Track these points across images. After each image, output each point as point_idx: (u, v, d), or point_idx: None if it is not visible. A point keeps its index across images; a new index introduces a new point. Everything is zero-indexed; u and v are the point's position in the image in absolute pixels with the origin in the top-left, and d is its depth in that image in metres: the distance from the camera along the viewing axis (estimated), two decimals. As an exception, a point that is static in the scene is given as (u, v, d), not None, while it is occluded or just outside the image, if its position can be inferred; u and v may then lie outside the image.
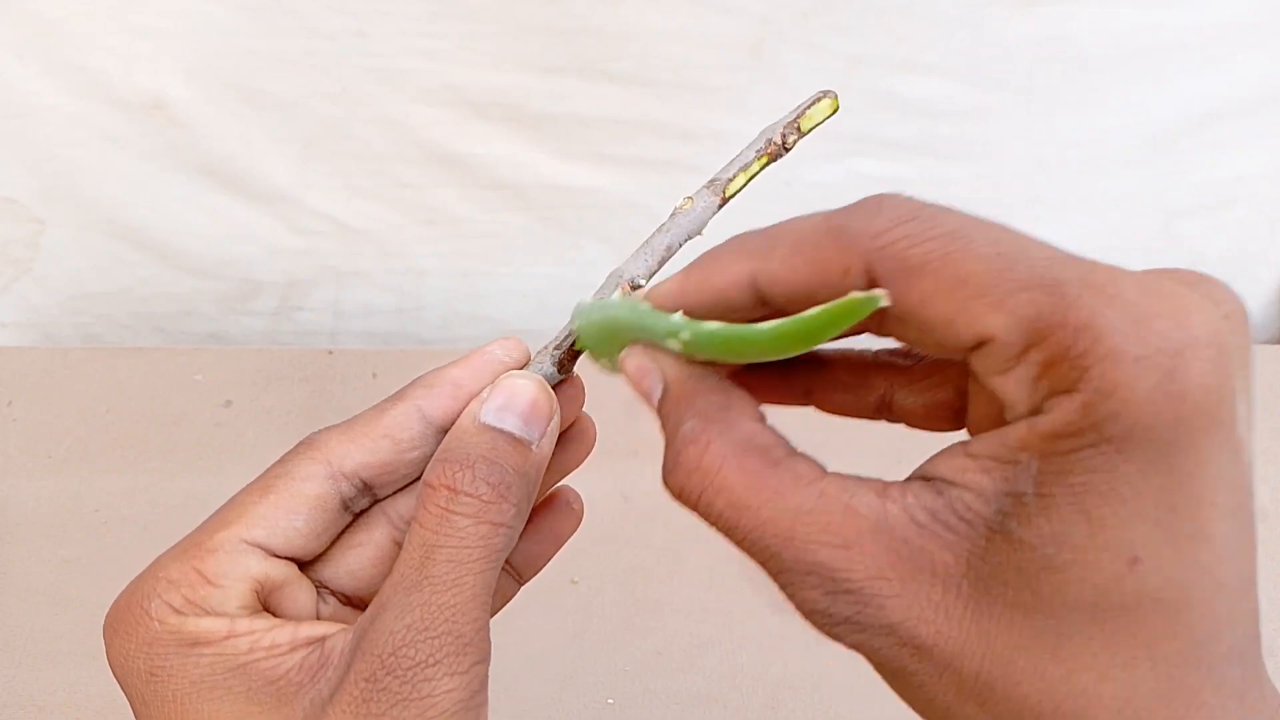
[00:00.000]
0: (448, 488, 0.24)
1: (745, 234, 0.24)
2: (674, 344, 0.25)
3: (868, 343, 0.26)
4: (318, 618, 0.27)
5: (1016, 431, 0.20)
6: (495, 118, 0.62)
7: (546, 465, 0.27)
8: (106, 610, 0.51)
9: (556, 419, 0.27)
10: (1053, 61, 0.61)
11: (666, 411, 0.24)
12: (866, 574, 0.21)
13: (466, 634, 0.23)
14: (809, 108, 0.29)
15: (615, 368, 0.28)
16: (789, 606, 0.22)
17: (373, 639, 0.23)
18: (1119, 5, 0.59)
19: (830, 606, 0.21)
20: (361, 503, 0.28)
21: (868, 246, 0.21)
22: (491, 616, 0.29)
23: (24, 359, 0.66)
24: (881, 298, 0.20)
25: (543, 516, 0.30)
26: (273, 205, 0.65)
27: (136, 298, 0.69)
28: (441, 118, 0.62)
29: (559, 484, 0.31)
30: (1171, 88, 0.63)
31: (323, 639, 0.24)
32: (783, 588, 0.22)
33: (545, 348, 0.29)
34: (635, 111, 0.62)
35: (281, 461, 0.27)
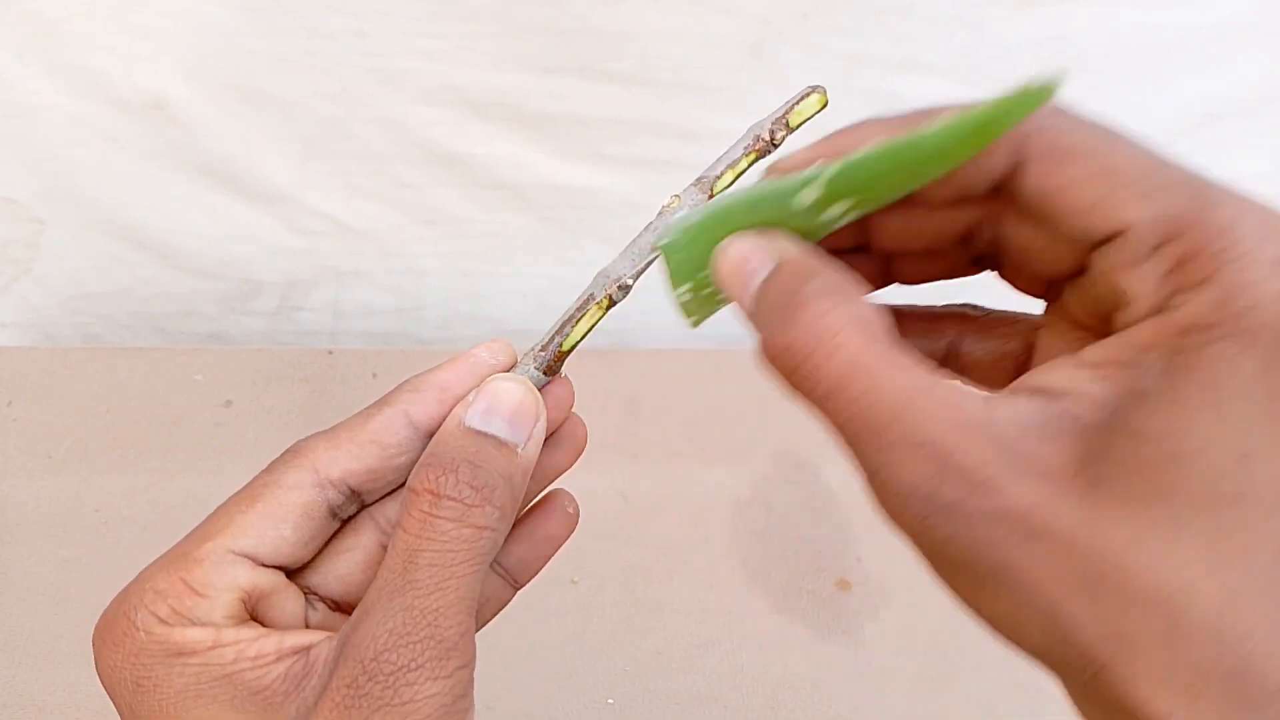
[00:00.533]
0: (430, 492, 0.24)
1: (880, 116, 0.24)
2: (810, 193, 0.24)
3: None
4: (306, 624, 0.27)
5: (1143, 331, 0.20)
6: (495, 118, 0.62)
7: (533, 468, 0.27)
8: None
9: (543, 421, 0.27)
10: (1053, 61, 0.61)
11: (778, 283, 0.23)
12: (981, 458, 0.20)
13: (450, 638, 0.23)
14: (798, 103, 0.29)
15: (702, 307, 0.27)
16: (876, 489, 0.21)
17: (355, 644, 0.23)
18: (1119, 5, 0.59)
19: (937, 488, 0.20)
20: (349, 509, 0.28)
21: (1025, 128, 0.22)
22: (486, 622, 0.29)
23: (24, 359, 0.66)
24: (1054, 87, 0.20)
25: (536, 520, 0.30)
26: (273, 205, 0.65)
27: (136, 298, 0.69)
28: (441, 118, 0.62)
29: (553, 487, 0.31)
30: (1171, 88, 0.63)
31: (308, 648, 0.24)
32: (879, 468, 0.21)
33: (531, 350, 0.29)
34: (635, 111, 0.62)
35: (268, 470, 0.27)
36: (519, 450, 0.26)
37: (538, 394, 0.27)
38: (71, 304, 0.69)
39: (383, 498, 0.28)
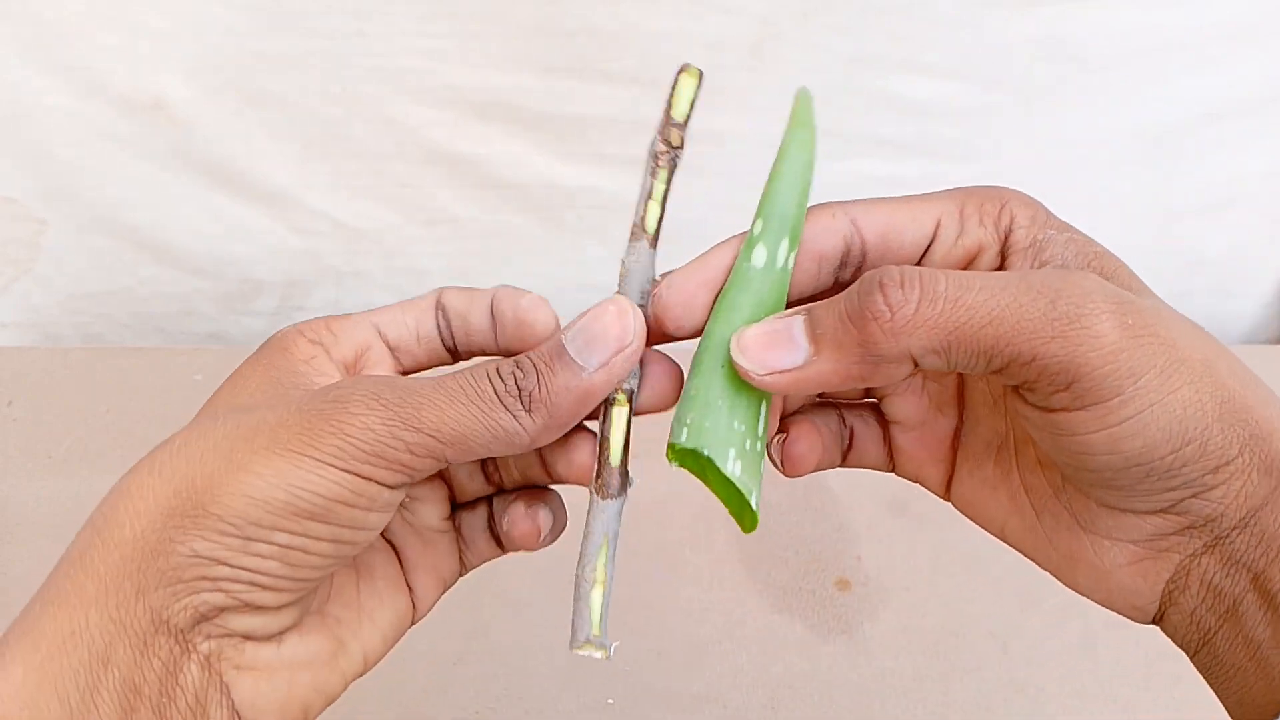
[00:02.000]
0: (490, 372, 0.27)
1: None
2: (760, 252, 0.30)
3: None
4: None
5: (1015, 264, 0.28)
6: (495, 118, 0.62)
7: (599, 393, 0.28)
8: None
9: (628, 351, 0.28)
10: (1053, 61, 0.61)
11: (837, 299, 0.27)
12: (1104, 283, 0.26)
13: (427, 426, 0.26)
14: (672, 94, 0.30)
15: (748, 470, 0.30)
16: (995, 325, 0.24)
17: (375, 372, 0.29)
18: (1119, 5, 0.59)
19: (1115, 295, 0.25)
20: (449, 341, 0.32)
21: (854, 201, 0.31)
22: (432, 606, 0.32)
23: (24, 359, 0.66)
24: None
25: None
26: (273, 205, 0.65)
27: (136, 298, 0.69)
28: (441, 118, 0.62)
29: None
30: (1171, 88, 0.63)
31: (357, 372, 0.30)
32: (1009, 294, 0.25)
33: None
34: (635, 111, 0.61)
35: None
36: (584, 373, 0.27)
37: (630, 322, 0.28)
38: (71, 304, 0.69)
39: None
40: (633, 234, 0.29)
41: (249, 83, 0.60)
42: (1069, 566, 0.28)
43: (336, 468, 0.25)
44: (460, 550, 0.32)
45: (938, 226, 0.28)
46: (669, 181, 0.29)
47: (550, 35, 0.58)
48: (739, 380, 0.27)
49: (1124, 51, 0.61)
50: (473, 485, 0.32)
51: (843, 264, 0.29)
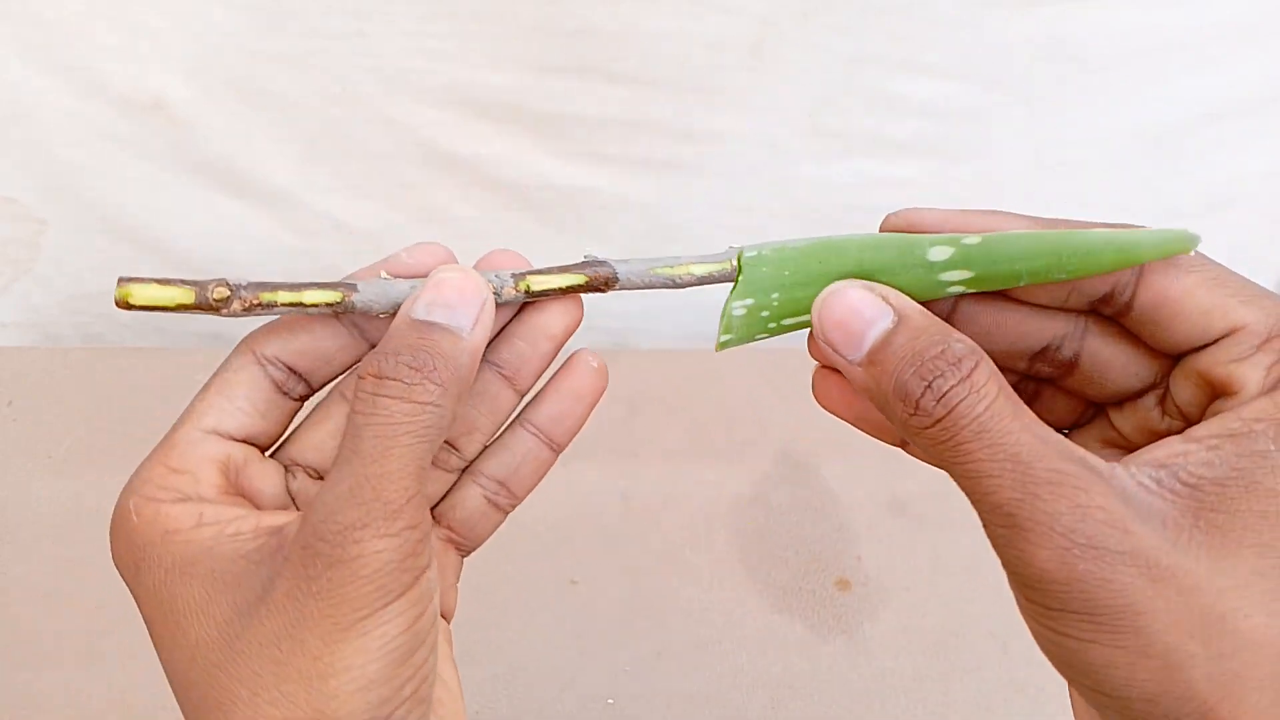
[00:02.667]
0: (373, 375, 0.26)
1: (1015, 212, 0.27)
2: (942, 251, 0.26)
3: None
4: (289, 492, 0.29)
5: (1255, 406, 0.24)
6: (495, 118, 0.62)
7: (481, 348, 0.27)
8: (107, 610, 0.51)
9: (489, 305, 0.28)
10: (1053, 61, 0.61)
11: (907, 337, 0.25)
12: (1114, 503, 0.22)
13: (395, 501, 0.24)
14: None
15: (746, 328, 0.28)
16: (1019, 533, 0.23)
17: (310, 511, 0.25)
18: (1119, 5, 0.59)
19: (1077, 522, 0.22)
20: (297, 387, 0.30)
21: None
22: (532, 488, 0.32)
23: (24, 359, 0.66)
24: (1198, 239, 0.25)
25: (561, 379, 0.31)
26: (273, 205, 0.65)
27: (136, 298, 0.69)
28: (441, 118, 0.62)
29: (577, 349, 0.32)
30: (1171, 88, 0.63)
31: (281, 527, 0.26)
32: (1020, 502, 0.23)
33: (509, 270, 0.29)
34: (635, 111, 0.61)
35: (222, 363, 0.30)
36: (463, 335, 0.27)
37: (480, 279, 0.28)
38: (71, 304, 0.69)
39: (347, 375, 0.31)
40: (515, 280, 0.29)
41: (249, 83, 0.60)
42: None
43: (383, 606, 0.24)
44: (456, 546, 0.32)
45: (1226, 336, 0.25)
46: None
47: (550, 35, 0.58)
48: (810, 284, 0.28)
49: (1124, 51, 0.61)
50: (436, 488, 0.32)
51: (1105, 301, 0.27)
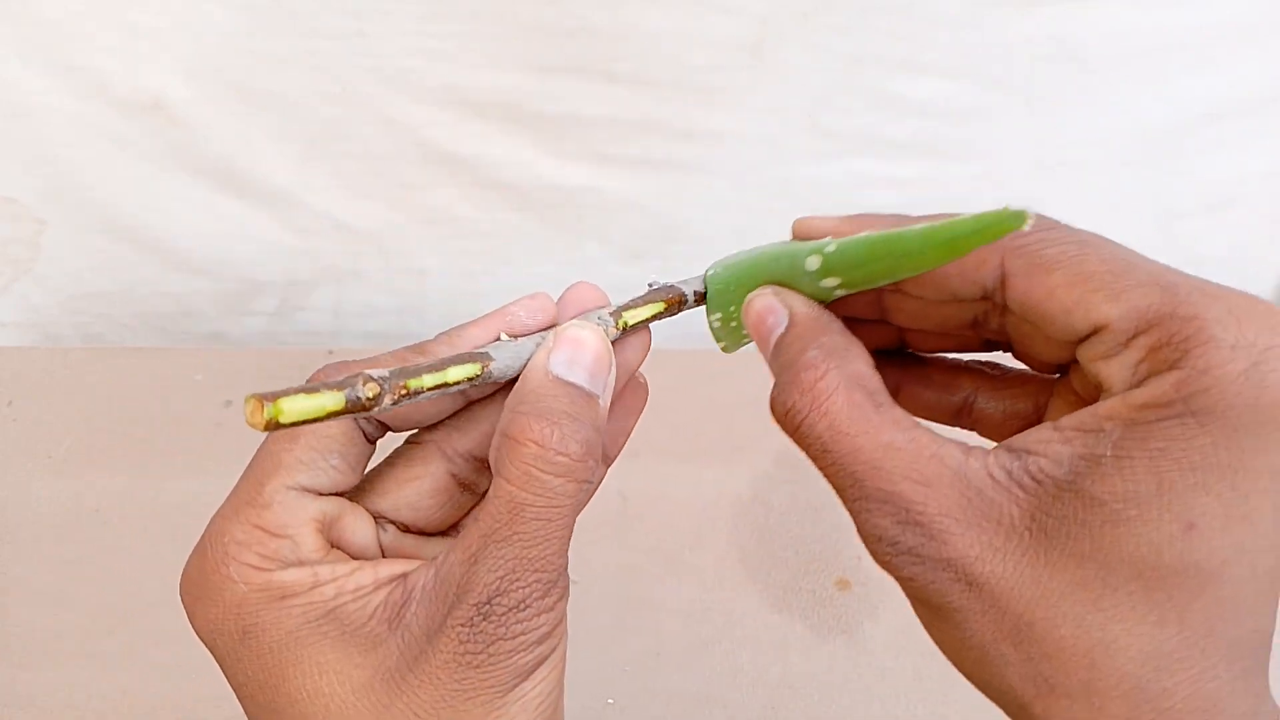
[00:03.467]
0: (536, 443, 0.25)
1: (878, 213, 0.27)
2: (814, 261, 0.27)
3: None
4: (379, 545, 0.29)
5: (1109, 404, 0.23)
6: (495, 118, 0.62)
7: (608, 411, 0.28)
8: (107, 610, 0.51)
9: (614, 372, 0.28)
10: (1053, 61, 0.61)
11: (788, 342, 0.26)
12: (939, 510, 0.23)
13: (551, 577, 0.25)
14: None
15: (729, 336, 0.30)
16: (859, 534, 0.24)
17: (468, 588, 0.24)
18: (1119, 5, 0.59)
19: (898, 535, 0.23)
20: (376, 430, 0.29)
21: (1007, 245, 0.25)
22: (585, 504, 0.31)
23: (24, 359, 0.66)
24: (1028, 217, 0.22)
25: (619, 396, 0.31)
26: (273, 205, 0.65)
27: (136, 298, 0.69)
28: (441, 118, 0.62)
29: None
30: (1171, 88, 0.63)
31: (404, 575, 0.26)
32: (856, 514, 0.24)
33: (602, 308, 0.29)
34: (635, 111, 0.62)
35: None
36: (600, 401, 0.27)
37: (604, 337, 0.28)
38: (71, 304, 0.69)
39: (436, 427, 0.30)
40: (614, 315, 0.29)
41: (249, 83, 0.60)
42: None
43: (536, 668, 0.25)
44: None
45: (1092, 335, 0.24)
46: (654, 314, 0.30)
47: (550, 35, 0.58)
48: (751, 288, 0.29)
49: (1124, 51, 0.61)
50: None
51: (984, 305, 0.27)
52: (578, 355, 0.27)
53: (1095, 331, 0.24)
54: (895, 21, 0.59)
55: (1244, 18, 0.61)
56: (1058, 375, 0.28)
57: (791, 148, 0.63)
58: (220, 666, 0.26)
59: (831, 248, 0.27)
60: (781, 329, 0.27)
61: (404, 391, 0.25)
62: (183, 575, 0.27)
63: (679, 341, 0.69)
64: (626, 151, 0.64)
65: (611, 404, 0.30)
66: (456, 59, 0.59)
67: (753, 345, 0.30)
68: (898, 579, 0.24)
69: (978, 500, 0.23)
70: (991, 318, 0.27)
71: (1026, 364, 0.29)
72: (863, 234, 0.26)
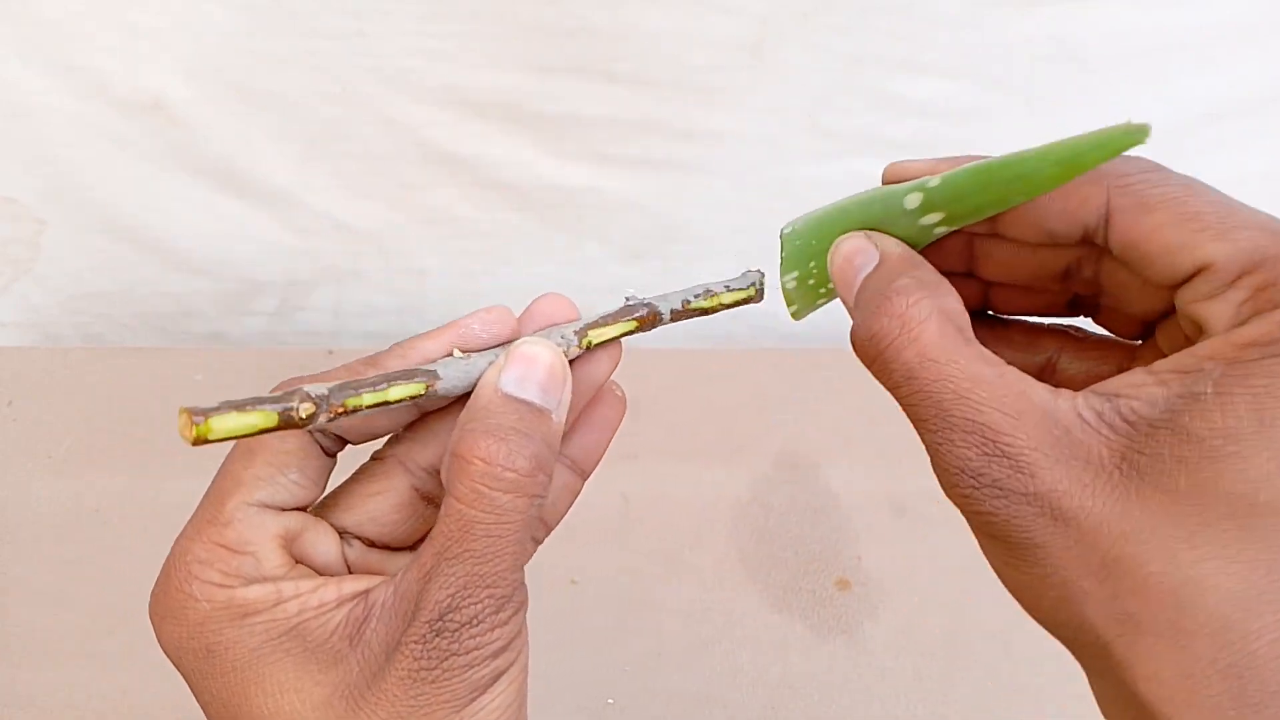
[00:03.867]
0: (482, 460, 0.25)
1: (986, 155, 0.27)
2: (915, 198, 0.26)
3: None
4: (345, 560, 0.28)
5: (1210, 343, 0.22)
6: (495, 118, 0.62)
7: (563, 434, 0.27)
8: (107, 610, 0.51)
9: (569, 386, 0.27)
10: (1053, 61, 0.61)
11: (877, 278, 0.26)
12: (1028, 444, 0.22)
13: (504, 593, 0.25)
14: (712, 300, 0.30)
15: (803, 298, 0.30)
16: (935, 465, 0.24)
17: (422, 605, 0.24)
18: (1119, 5, 0.59)
19: (984, 466, 0.23)
20: (335, 444, 0.29)
21: (1114, 183, 0.24)
22: (563, 515, 0.31)
23: (24, 359, 0.66)
24: (1148, 130, 0.22)
25: (592, 409, 0.31)
26: (273, 205, 0.65)
27: (136, 298, 0.69)
28: (441, 118, 0.62)
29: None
30: (1171, 88, 0.63)
31: (366, 592, 0.26)
32: (938, 445, 0.23)
33: (569, 323, 0.29)
34: (635, 111, 0.61)
35: None
36: (553, 416, 0.27)
37: (559, 353, 0.28)
38: (71, 304, 0.69)
39: (398, 441, 0.30)
40: (578, 335, 0.29)
41: (249, 83, 0.60)
42: None
43: (493, 680, 0.25)
44: None
45: (1197, 274, 0.24)
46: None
47: (550, 35, 0.58)
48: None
49: (1124, 51, 0.61)
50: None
51: (1089, 241, 0.26)
52: (529, 372, 0.27)
53: (1199, 271, 0.23)
54: (895, 21, 0.59)
55: (1244, 18, 0.61)
56: (1140, 341, 0.28)
57: (791, 148, 0.63)
58: (188, 685, 0.26)
59: (935, 181, 0.26)
60: (871, 267, 0.26)
61: (341, 410, 0.25)
62: (151, 595, 0.27)
63: (679, 341, 0.69)
64: (626, 151, 0.64)
65: (583, 418, 0.31)
66: (456, 59, 0.59)
67: (825, 308, 0.30)
68: (976, 514, 0.23)
69: (1066, 438, 0.22)
70: (1085, 266, 0.27)
71: (1110, 329, 0.28)
72: (972, 163, 0.26)
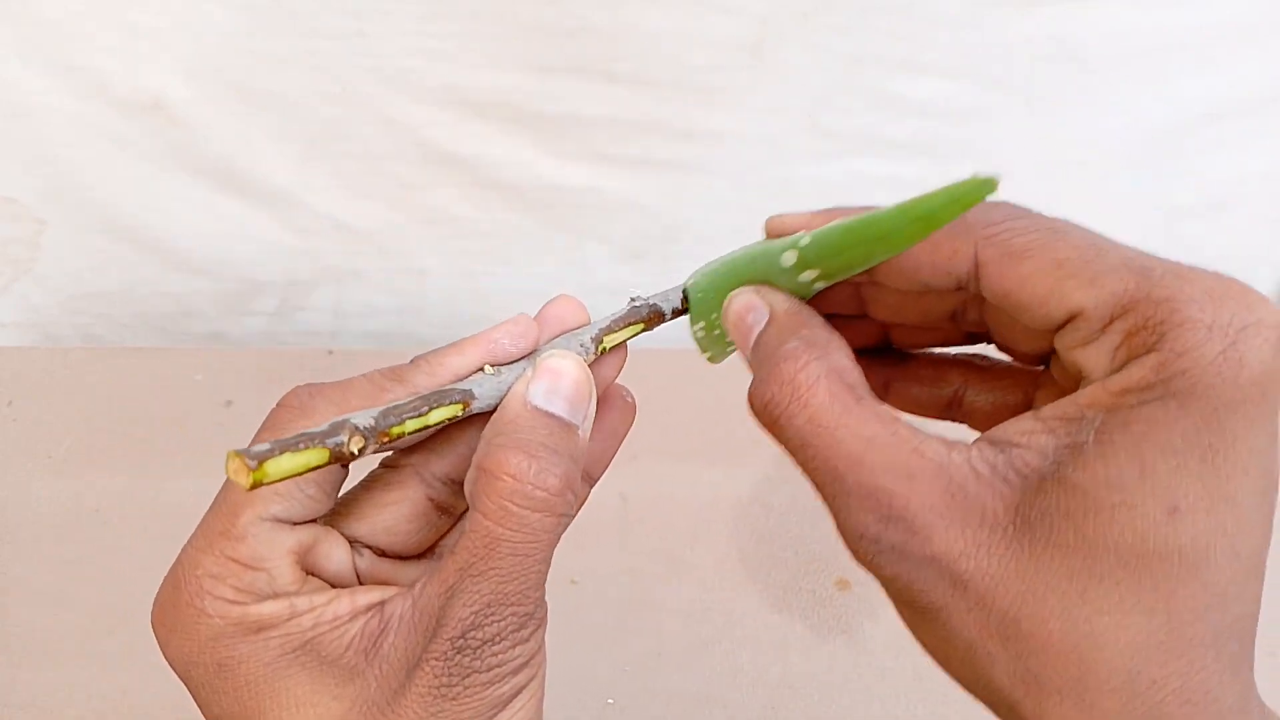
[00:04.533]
0: (512, 476, 0.24)
1: (849, 206, 0.27)
2: (790, 256, 0.27)
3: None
4: (355, 570, 0.28)
5: (1088, 391, 0.22)
6: (495, 118, 0.62)
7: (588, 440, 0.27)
8: (107, 610, 0.51)
9: (594, 401, 0.27)
10: (1053, 61, 0.61)
11: (768, 338, 0.26)
12: (922, 506, 0.22)
13: (528, 610, 0.25)
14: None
15: (714, 345, 0.30)
16: (839, 531, 0.24)
17: (444, 622, 0.24)
18: (1119, 5, 0.59)
19: (881, 532, 0.23)
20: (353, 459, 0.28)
21: (980, 235, 0.24)
22: (571, 521, 0.30)
23: (24, 359, 0.66)
24: (996, 182, 0.22)
25: (603, 415, 0.31)
26: (273, 205, 0.65)
27: (136, 298, 0.69)
28: (441, 118, 0.62)
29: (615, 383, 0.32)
30: (1171, 88, 0.63)
31: (381, 604, 0.26)
32: (837, 511, 0.24)
33: (583, 329, 0.29)
34: (635, 111, 0.61)
35: (271, 428, 0.27)
36: (580, 431, 0.26)
37: (584, 367, 0.27)
38: (71, 304, 0.69)
39: (413, 450, 0.29)
40: (595, 340, 0.29)
41: (249, 83, 0.60)
42: None
43: (514, 696, 0.25)
44: None
45: (1068, 322, 0.24)
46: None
47: (550, 35, 0.58)
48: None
49: (1124, 51, 0.61)
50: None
51: (962, 289, 0.26)
52: (557, 385, 0.26)
53: (1071, 319, 0.23)
54: (895, 21, 0.59)
55: (1244, 18, 0.61)
56: (1042, 367, 0.28)
57: (791, 148, 0.63)
58: (194, 699, 0.26)
59: (805, 240, 0.26)
60: (761, 325, 0.26)
61: (387, 439, 0.25)
62: (154, 605, 0.26)
63: (679, 341, 0.69)
64: (626, 151, 0.64)
65: (598, 421, 0.30)
66: (456, 59, 0.59)
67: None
68: (880, 578, 0.24)
69: (960, 496, 0.22)
70: (970, 310, 0.27)
71: (1009, 355, 0.28)
72: (836, 222, 0.26)
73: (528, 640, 0.25)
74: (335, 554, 0.27)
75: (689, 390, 0.64)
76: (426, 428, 0.26)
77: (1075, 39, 0.60)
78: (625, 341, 0.30)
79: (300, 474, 0.24)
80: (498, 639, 0.24)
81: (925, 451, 0.23)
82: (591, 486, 0.31)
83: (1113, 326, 0.23)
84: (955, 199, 0.23)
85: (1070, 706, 0.21)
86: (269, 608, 0.25)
